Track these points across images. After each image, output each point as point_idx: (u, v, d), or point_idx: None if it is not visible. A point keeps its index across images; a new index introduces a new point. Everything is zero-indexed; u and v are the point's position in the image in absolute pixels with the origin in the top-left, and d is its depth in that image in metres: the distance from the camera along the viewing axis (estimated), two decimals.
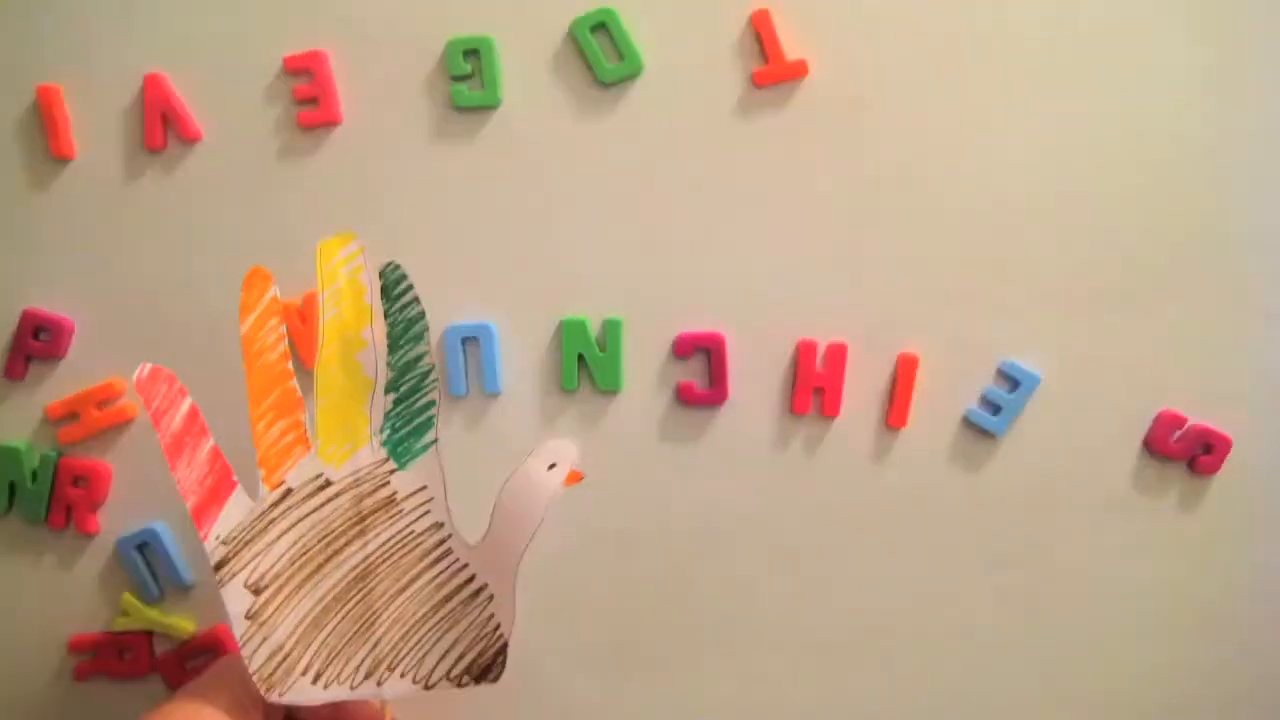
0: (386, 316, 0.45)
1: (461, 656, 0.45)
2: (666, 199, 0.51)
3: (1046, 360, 0.50)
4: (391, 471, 0.45)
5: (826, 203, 0.50)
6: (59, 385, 0.52)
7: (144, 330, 0.52)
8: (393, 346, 0.45)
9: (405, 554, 0.45)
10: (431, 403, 0.45)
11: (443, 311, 0.51)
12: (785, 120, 0.50)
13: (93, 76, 0.52)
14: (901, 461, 0.51)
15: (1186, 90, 0.50)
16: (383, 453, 0.45)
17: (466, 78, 0.51)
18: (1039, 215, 0.50)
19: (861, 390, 0.51)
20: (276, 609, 0.44)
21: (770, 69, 0.50)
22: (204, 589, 0.53)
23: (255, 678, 0.44)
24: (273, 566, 0.44)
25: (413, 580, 0.45)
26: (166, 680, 0.52)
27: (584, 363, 0.51)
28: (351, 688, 0.45)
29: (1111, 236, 0.50)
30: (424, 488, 0.45)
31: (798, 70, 0.50)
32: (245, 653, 0.44)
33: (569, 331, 0.51)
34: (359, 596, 0.45)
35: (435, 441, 0.45)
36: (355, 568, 0.45)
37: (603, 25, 0.50)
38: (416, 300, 0.44)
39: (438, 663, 0.45)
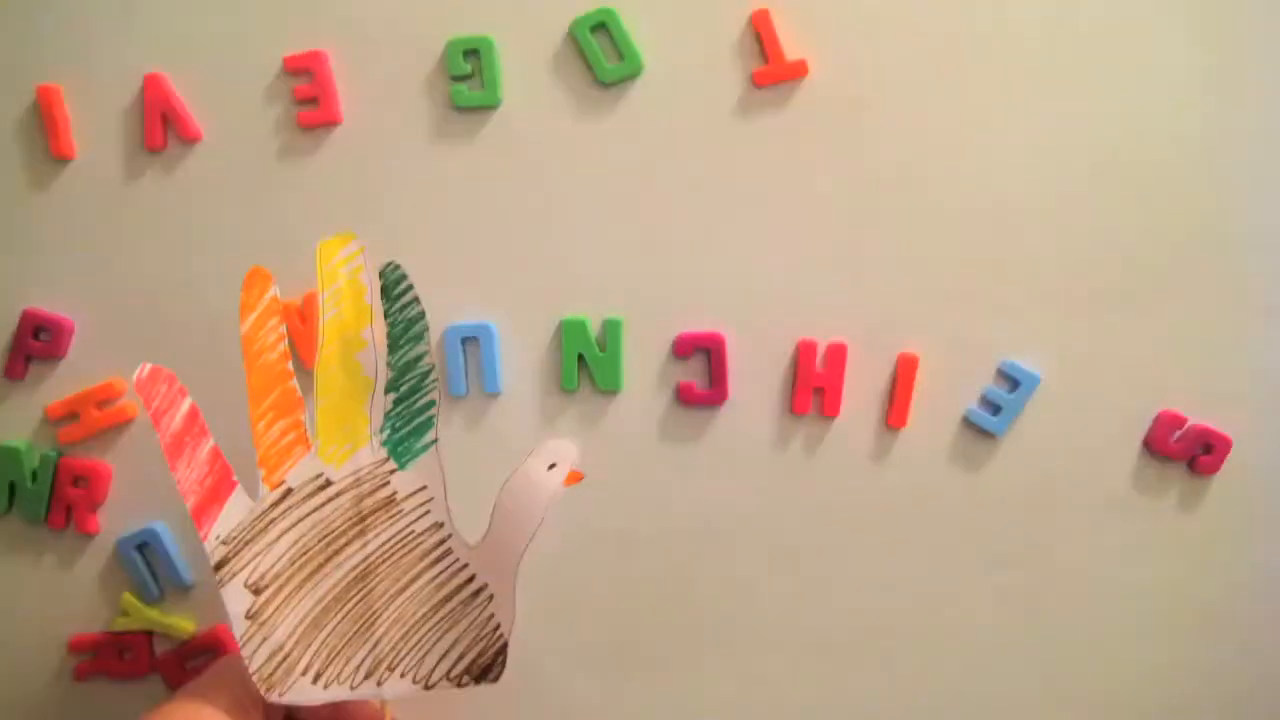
0: (386, 316, 0.45)
1: (462, 656, 0.45)
2: (667, 199, 0.51)
3: (1046, 360, 0.50)
4: (392, 471, 0.45)
5: (826, 203, 0.50)
6: (59, 385, 0.52)
7: (144, 330, 0.52)
8: (393, 346, 0.45)
9: (405, 554, 0.45)
10: (431, 403, 0.45)
11: (443, 311, 0.51)
12: (785, 120, 0.50)
13: (93, 76, 0.52)
14: (901, 461, 0.51)
15: (1186, 90, 0.50)
16: (383, 452, 0.45)
17: (466, 78, 0.51)
18: (1039, 215, 0.50)
19: (861, 390, 0.51)
20: (277, 609, 0.44)
21: (770, 69, 0.50)
22: (204, 589, 0.53)
23: (255, 678, 0.44)
24: (273, 566, 0.44)
25: (413, 580, 0.45)
26: (166, 680, 0.52)
27: (584, 363, 0.51)
28: (351, 688, 0.45)
29: (1112, 236, 0.50)
30: (424, 488, 0.45)
31: (798, 70, 0.50)
32: (245, 653, 0.44)
33: (569, 331, 0.51)
34: (359, 596, 0.45)
35: (435, 441, 0.45)
36: (355, 568, 0.45)
37: (603, 25, 0.50)
38: (416, 300, 0.44)
39: (438, 663, 0.45)
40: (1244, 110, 0.49)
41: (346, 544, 0.45)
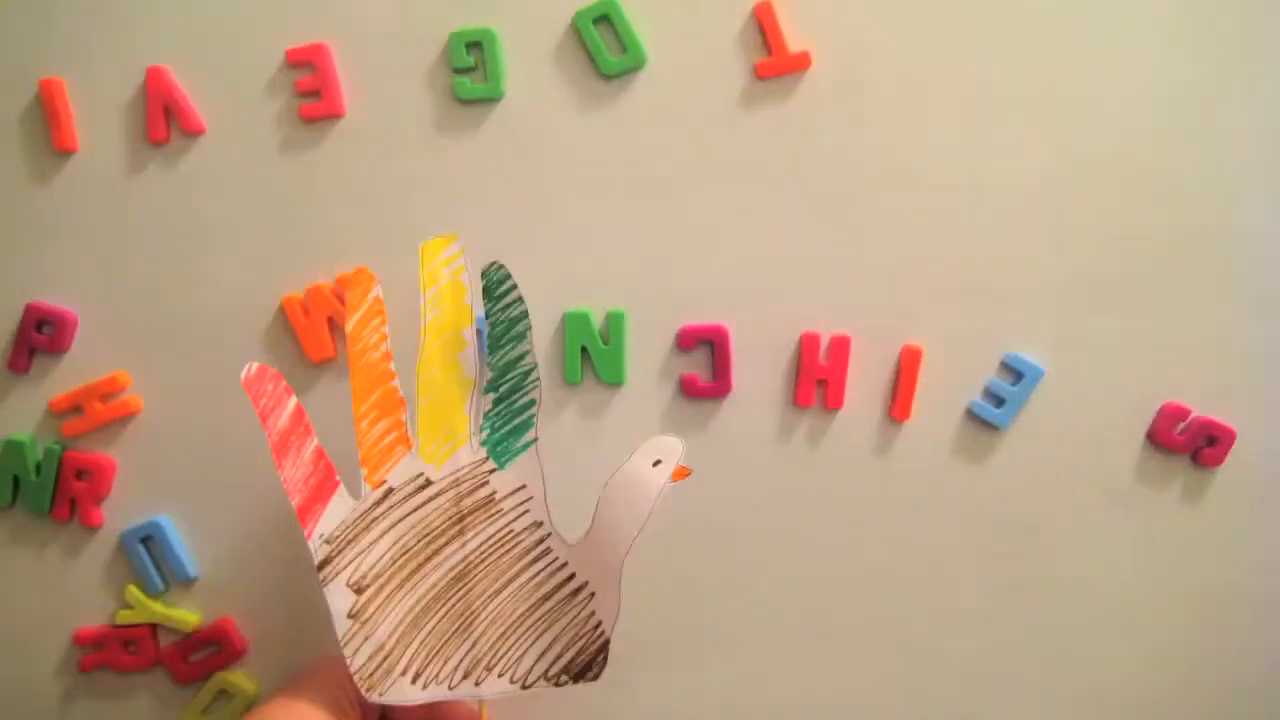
0: (489, 316, 0.45)
1: (560, 656, 0.45)
2: (670, 191, 0.51)
3: (1050, 353, 0.50)
4: (491, 471, 0.45)
5: (829, 195, 0.50)
6: (63, 378, 0.52)
7: (147, 323, 0.52)
8: (494, 346, 0.45)
9: (504, 553, 0.45)
10: (532, 402, 0.45)
11: None
12: (788, 112, 0.50)
13: (95, 70, 0.52)
14: (905, 454, 0.51)
15: (1189, 82, 0.49)
16: (482, 452, 0.45)
17: (469, 70, 0.51)
18: (1043, 208, 0.50)
19: (865, 383, 0.51)
20: (378, 608, 0.44)
21: (773, 61, 0.50)
22: (208, 582, 0.53)
23: (356, 677, 0.44)
24: (374, 566, 0.45)
25: (511, 579, 0.45)
26: (171, 673, 0.52)
27: (587, 355, 0.51)
28: (450, 688, 0.45)
29: (1116, 228, 0.50)
30: (523, 487, 0.45)
31: (800, 62, 0.50)
32: (347, 652, 0.44)
33: (572, 324, 0.51)
34: (458, 596, 0.45)
35: (535, 441, 0.45)
36: (454, 567, 0.45)
37: (605, 17, 0.50)
38: (520, 300, 0.45)
39: (535, 662, 0.45)
40: (1248, 101, 0.49)
41: (446, 543, 0.45)
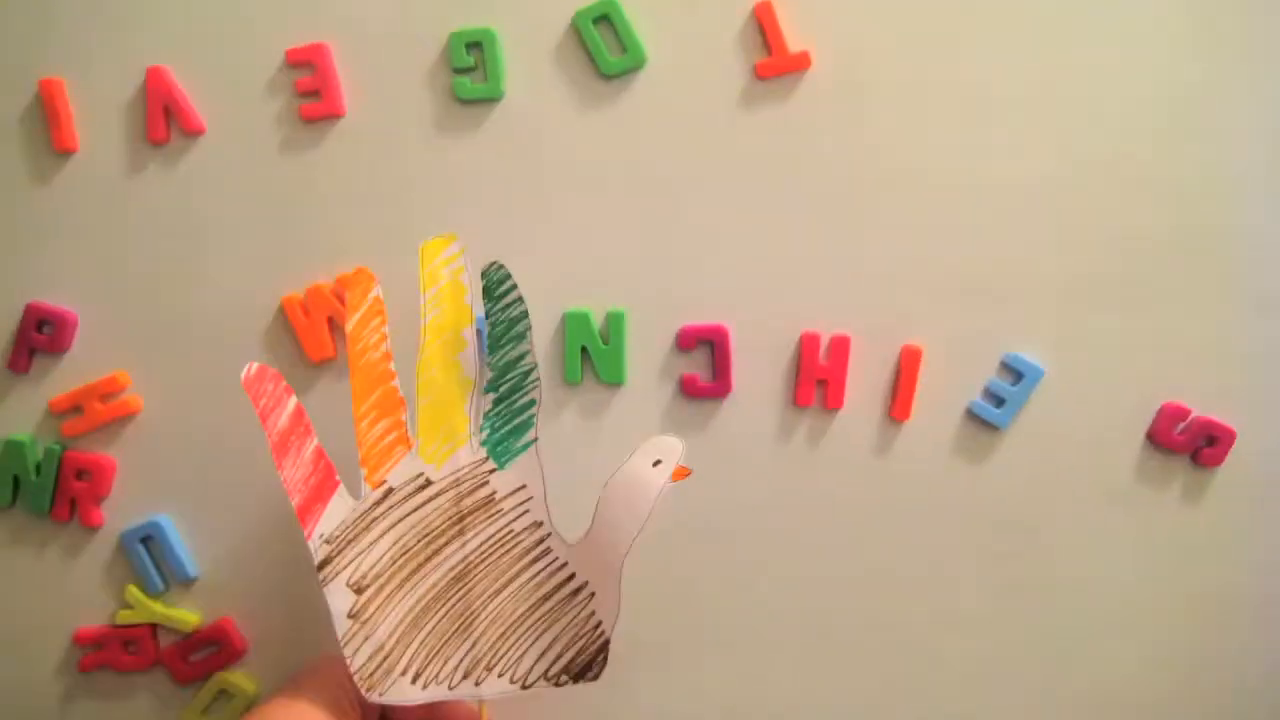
0: (489, 316, 0.45)
1: (560, 656, 0.45)
2: (669, 191, 0.51)
3: (1050, 353, 0.50)
4: (491, 471, 0.45)
5: (829, 195, 0.50)
6: (63, 378, 0.52)
7: (147, 323, 0.52)
8: (494, 346, 0.45)
9: (504, 553, 0.45)
10: (532, 402, 0.45)
11: None
12: (788, 112, 0.50)
13: (95, 70, 0.52)
14: (905, 454, 0.51)
15: (1191, 82, 0.49)
16: (482, 452, 0.45)
17: (469, 70, 0.51)
18: (1043, 208, 0.50)
19: (865, 383, 0.51)
20: (378, 608, 0.44)
21: (773, 61, 0.50)
22: (208, 582, 0.53)
23: (356, 677, 0.44)
24: (374, 566, 0.45)
25: (511, 579, 0.45)
26: (171, 673, 0.52)
27: (587, 355, 0.51)
28: (450, 688, 0.45)
29: (1116, 228, 0.50)
30: (523, 487, 0.45)
31: (800, 62, 0.50)
32: (347, 652, 0.44)
33: (572, 324, 0.51)
34: (458, 596, 0.45)
35: (535, 441, 0.45)
36: (454, 567, 0.45)
37: (605, 17, 0.50)
38: (520, 300, 0.45)
39: (535, 662, 0.45)
40: (1248, 101, 0.49)
41: (446, 543, 0.45)
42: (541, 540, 0.45)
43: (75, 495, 0.52)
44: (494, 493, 0.45)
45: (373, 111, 0.51)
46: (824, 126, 0.50)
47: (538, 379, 0.45)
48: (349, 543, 0.44)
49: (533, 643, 0.45)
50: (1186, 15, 0.49)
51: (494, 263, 0.45)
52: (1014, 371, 0.50)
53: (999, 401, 0.50)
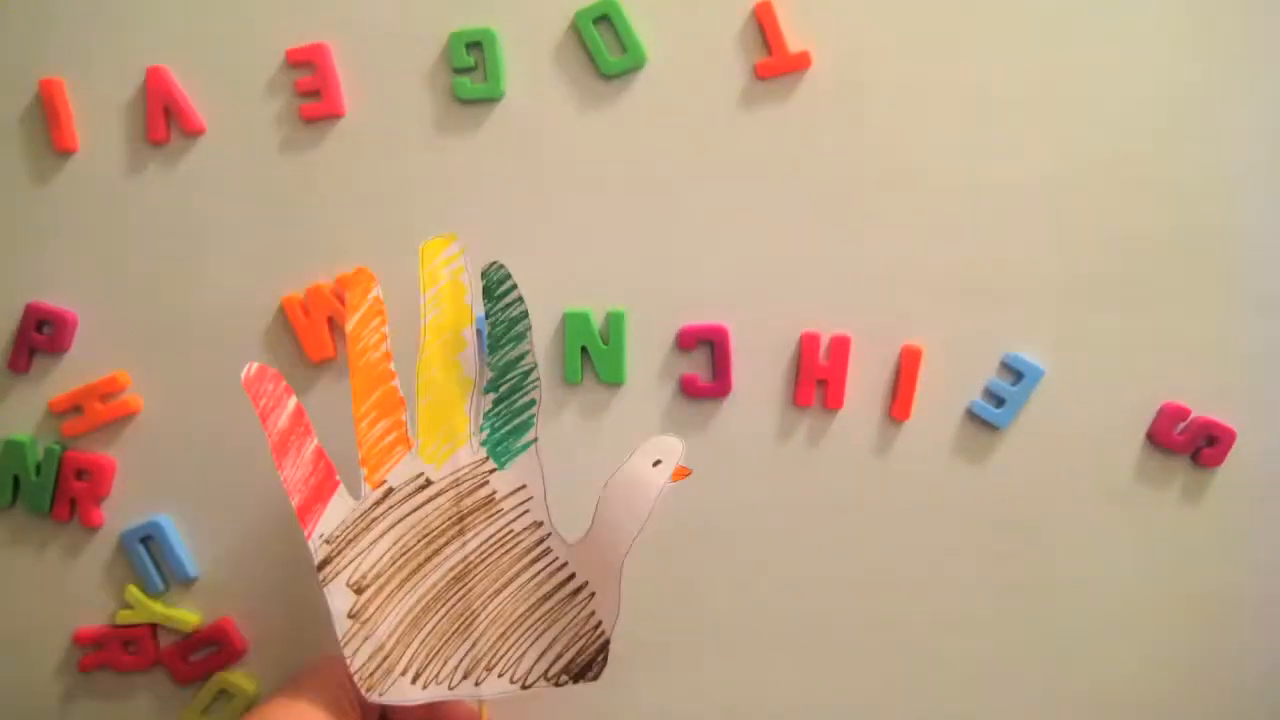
0: (489, 315, 0.45)
1: (560, 656, 0.46)
2: (670, 191, 0.51)
3: (1050, 353, 0.50)
4: (491, 471, 0.45)
5: (829, 195, 0.50)
6: (63, 378, 0.52)
7: (147, 323, 0.52)
8: (494, 346, 0.45)
9: (504, 553, 0.45)
10: (532, 402, 0.45)
11: None
12: (788, 112, 0.50)
13: (95, 69, 0.52)
14: (905, 454, 0.51)
15: (1188, 82, 0.49)
16: (482, 452, 0.45)
17: (469, 70, 0.51)
18: (1043, 208, 0.50)
19: (865, 383, 0.51)
20: (378, 608, 0.44)
21: (773, 61, 0.50)
22: (208, 582, 0.53)
23: (356, 677, 0.44)
24: (374, 566, 0.45)
25: (511, 579, 0.45)
26: (171, 673, 0.52)
27: (587, 355, 0.51)
28: (450, 688, 0.45)
29: (1116, 228, 0.50)
30: (523, 487, 0.45)
31: (800, 62, 0.50)
32: (347, 652, 0.44)
33: (572, 324, 0.51)
34: (458, 596, 0.45)
35: (535, 441, 0.45)
36: (454, 567, 0.45)
37: (605, 17, 0.50)
38: (520, 300, 0.45)
39: (535, 662, 0.46)
40: (1247, 101, 0.49)
41: (446, 543, 0.45)
42: (541, 540, 0.45)
43: (75, 495, 0.52)
44: (494, 493, 0.45)
45: (373, 111, 0.51)
46: (824, 127, 0.50)
47: (538, 379, 0.45)
48: (349, 543, 0.44)
49: (533, 643, 0.45)
50: (1186, 15, 0.49)
51: (494, 263, 0.45)
52: (1014, 371, 0.50)
53: (999, 401, 0.50)
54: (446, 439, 0.45)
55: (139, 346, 0.52)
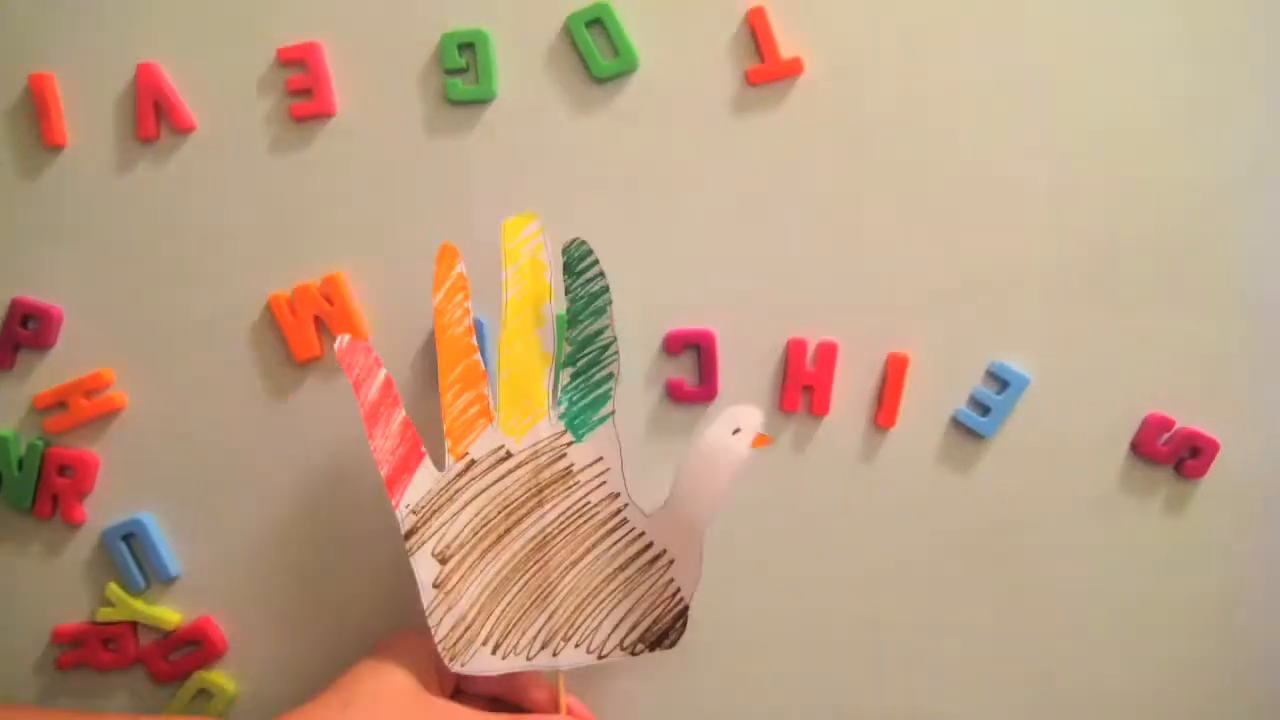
0: (569, 291, 0.46)
1: (636, 625, 0.46)
2: (659, 195, 0.51)
3: (1036, 362, 0.50)
4: (569, 444, 0.46)
5: (818, 201, 0.50)
6: (47, 374, 0.52)
7: (133, 320, 0.52)
8: (574, 321, 0.46)
9: (581, 524, 0.46)
10: (610, 375, 0.46)
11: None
12: (779, 118, 0.50)
13: (86, 65, 0.51)
14: (889, 461, 0.51)
15: (1175, 96, 0.50)
16: (561, 425, 0.46)
17: (461, 71, 0.51)
18: (1031, 217, 0.50)
19: (851, 389, 0.51)
20: (461, 578, 0.45)
21: (765, 67, 0.50)
22: (189, 581, 0.52)
23: (440, 647, 0.45)
24: (457, 536, 0.45)
25: (588, 550, 0.46)
26: (150, 672, 0.52)
27: None
28: (528, 658, 0.46)
29: (1103, 239, 0.50)
30: (600, 459, 0.46)
31: (792, 68, 0.50)
32: (431, 622, 0.45)
33: (560, 326, 0.51)
34: (536, 567, 0.46)
35: (612, 414, 0.46)
36: (533, 539, 0.46)
37: (598, 21, 0.50)
38: (601, 275, 0.46)
39: (611, 632, 0.46)
40: (1232, 116, 0.50)
41: (525, 515, 0.46)
42: (618, 511, 0.46)
43: (58, 491, 0.52)
44: (571, 465, 0.46)
45: (364, 111, 0.51)
46: (814, 134, 0.50)
47: (616, 353, 0.46)
48: (434, 513, 0.45)
49: (609, 613, 0.46)
50: (1183, 16, 0.49)
51: (575, 239, 0.46)
52: (1000, 380, 0.50)
53: (984, 410, 0.50)
54: (526, 412, 0.46)
55: (125, 343, 0.52)
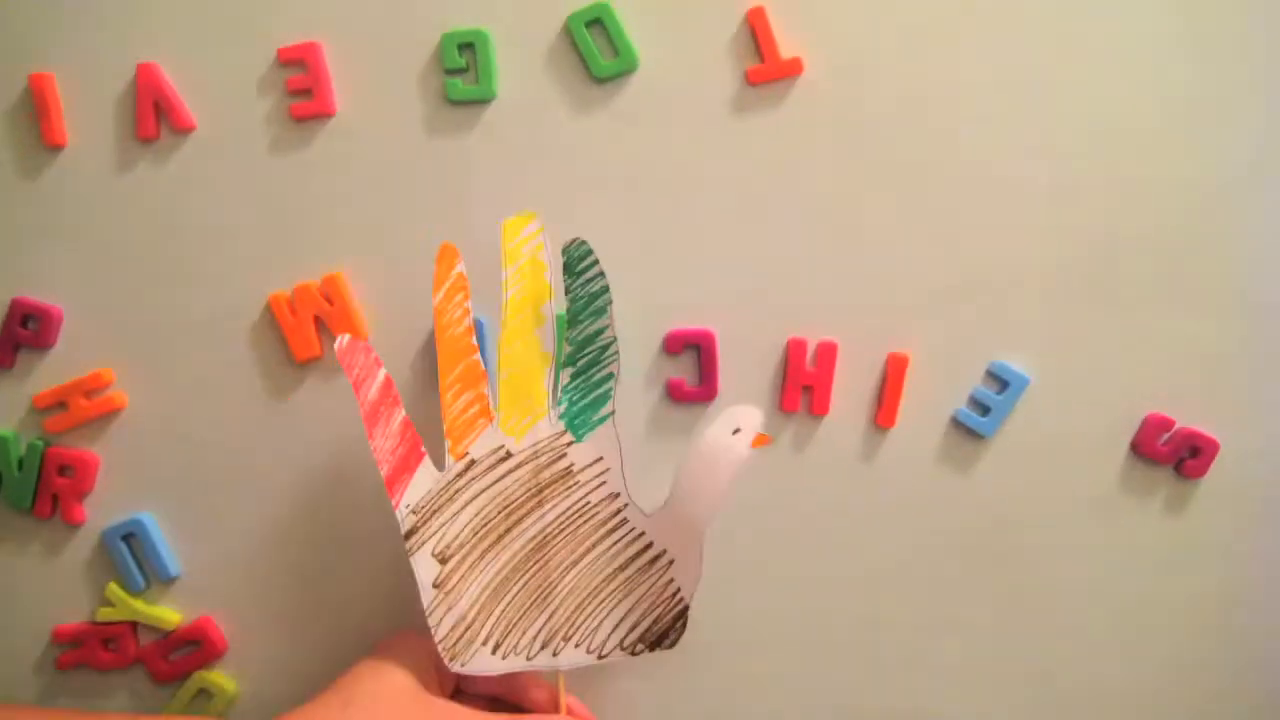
0: (569, 291, 0.46)
1: (636, 625, 0.46)
2: (659, 195, 0.51)
3: (1036, 362, 0.50)
4: (569, 444, 0.46)
5: (818, 201, 0.50)
6: (47, 374, 0.52)
7: (133, 320, 0.52)
8: (574, 321, 0.46)
9: (581, 524, 0.46)
10: (610, 375, 0.46)
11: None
12: (778, 118, 0.50)
13: (86, 65, 0.51)
14: (889, 461, 0.51)
15: (1176, 96, 0.50)
16: (561, 425, 0.46)
17: (461, 71, 0.51)
18: (1031, 217, 0.50)
19: (851, 389, 0.51)
20: (461, 578, 0.45)
21: (765, 67, 0.50)
22: (189, 581, 0.52)
23: (440, 647, 0.45)
24: (457, 536, 0.46)
25: (588, 550, 0.46)
26: (150, 672, 0.52)
27: None
28: (528, 659, 0.46)
29: (1103, 239, 0.50)
30: (600, 459, 0.46)
31: (792, 68, 0.50)
32: (431, 621, 0.45)
33: (560, 326, 0.51)
34: (536, 567, 0.46)
35: (612, 414, 0.46)
36: (533, 538, 0.46)
37: (598, 21, 0.50)
38: (601, 275, 0.46)
39: (611, 632, 0.46)
40: (1232, 116, 0.50)
41: (525, 515, 0.46)
42: (618, 511, 0.46)
43: (58, 491, 0.52)
44: (571, 465, 0.46)
45: (363, 111, 0.51)
46: (814, 134, 0.50)
47: (616, 353, 0.46)
48: (434, 513, 0.45)
49: (609, 612, 0.46)
50: (1183, 16, 0.49)
51: (575, 239, 0.46)
52: (1000, 380, 0.50)
53: (984, 410, 0.50)
54: (526, 412, 0.46)
55: (125, 343, 0.52)
